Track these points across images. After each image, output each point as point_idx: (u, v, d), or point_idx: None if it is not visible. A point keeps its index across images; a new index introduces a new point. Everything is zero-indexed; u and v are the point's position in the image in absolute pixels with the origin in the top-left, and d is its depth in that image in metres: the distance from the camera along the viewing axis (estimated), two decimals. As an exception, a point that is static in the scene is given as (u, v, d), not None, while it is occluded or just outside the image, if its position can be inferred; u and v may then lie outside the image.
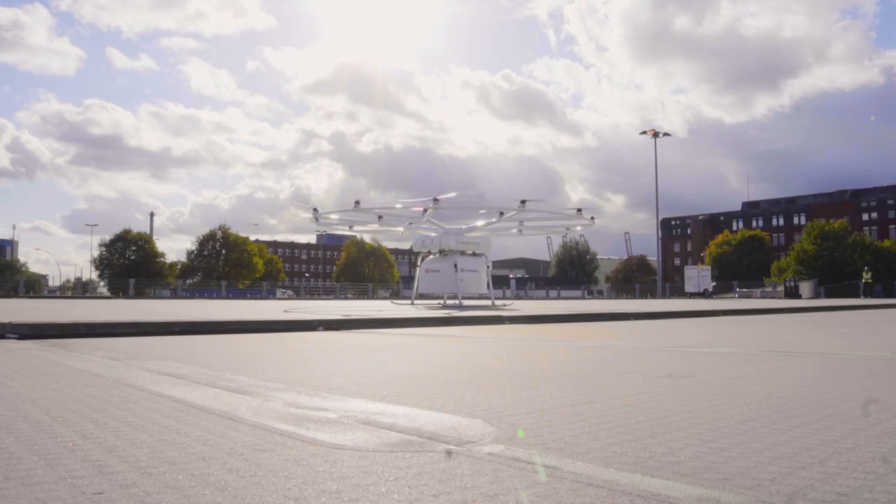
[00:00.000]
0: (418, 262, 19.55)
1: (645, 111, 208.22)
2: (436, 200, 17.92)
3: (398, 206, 20.65)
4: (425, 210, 18.54)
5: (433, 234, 19.17)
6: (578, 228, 22.83)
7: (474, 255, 18.85)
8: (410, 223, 20.59)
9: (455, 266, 17.91)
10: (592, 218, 20.13)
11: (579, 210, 19.66)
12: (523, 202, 18.05)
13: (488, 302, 18.85)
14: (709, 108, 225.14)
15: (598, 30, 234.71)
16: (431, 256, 19.05)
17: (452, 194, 18.98)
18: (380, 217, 19.77)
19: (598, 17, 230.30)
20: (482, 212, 20.14)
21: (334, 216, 20.62)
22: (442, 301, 19.25)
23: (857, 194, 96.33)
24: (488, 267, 19.05)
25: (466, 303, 18.12)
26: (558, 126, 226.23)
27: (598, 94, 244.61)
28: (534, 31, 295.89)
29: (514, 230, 21.39)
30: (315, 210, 19.56)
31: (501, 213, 19.10)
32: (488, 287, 19.12)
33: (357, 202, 18.21)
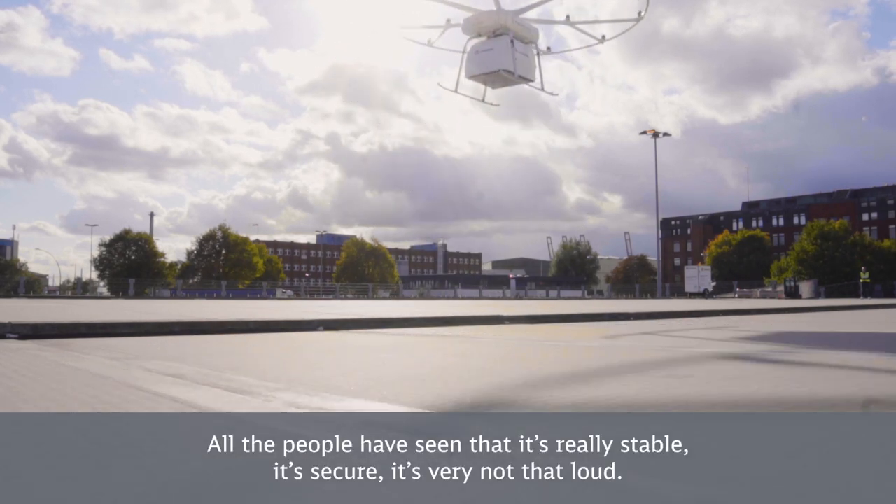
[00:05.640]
0: (464, 49, 18.58)
1: (639, 112, 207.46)
2: None
3: None
4: None
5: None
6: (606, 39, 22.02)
7: (524, 42, 18.58)
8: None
9: (512, 42, 16.70)
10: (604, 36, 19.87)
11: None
12: None
13: (538, 83, 18.53)
14: (703, 109, 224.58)
15: (588, 31, 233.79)
16: (479, 39, 18.35)
17: None
18: None
19: (586, 19, 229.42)
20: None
21: None
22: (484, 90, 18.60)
23: (857, 194, 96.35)
24: (537, 53, 18.78)
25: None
26: (553, 127, 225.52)
27: (592, 95, 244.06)
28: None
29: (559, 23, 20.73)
30: None
31: None
32: (539, 73, 18.61)
33: None
